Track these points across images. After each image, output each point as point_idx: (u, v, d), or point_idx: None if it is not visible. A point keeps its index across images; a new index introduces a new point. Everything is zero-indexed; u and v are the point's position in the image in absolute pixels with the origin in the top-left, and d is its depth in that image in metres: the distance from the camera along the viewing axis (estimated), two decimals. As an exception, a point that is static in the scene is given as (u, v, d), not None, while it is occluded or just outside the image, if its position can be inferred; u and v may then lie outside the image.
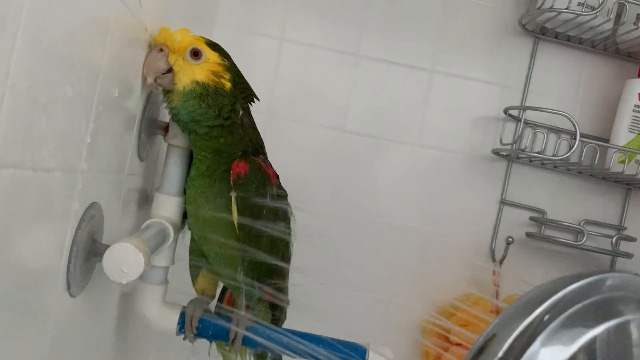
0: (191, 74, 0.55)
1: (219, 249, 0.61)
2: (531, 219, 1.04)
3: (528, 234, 1.02)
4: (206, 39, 0.57)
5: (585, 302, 0.31)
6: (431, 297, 1.00)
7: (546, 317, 0.30)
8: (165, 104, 0.57)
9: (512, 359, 0.30)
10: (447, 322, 0.95)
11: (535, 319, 0.30)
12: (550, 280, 0.33)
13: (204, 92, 0.56)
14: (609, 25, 0.96)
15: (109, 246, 0.47)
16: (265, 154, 0.63)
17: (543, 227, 1.03)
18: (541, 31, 1.03)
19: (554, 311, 0.31)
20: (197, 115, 0.56)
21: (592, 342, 0.30)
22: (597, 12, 0.90)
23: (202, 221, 0.60)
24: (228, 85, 0.57)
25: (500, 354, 0.30)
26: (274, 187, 0.61)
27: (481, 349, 0.31)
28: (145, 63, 0.55)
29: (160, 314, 0.61)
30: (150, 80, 0.55)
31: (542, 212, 1.04)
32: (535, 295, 0.31)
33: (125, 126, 0.54)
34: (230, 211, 0.57)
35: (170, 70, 0.55)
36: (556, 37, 1.03)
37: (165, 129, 0.62)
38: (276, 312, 0.67)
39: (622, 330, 0.31)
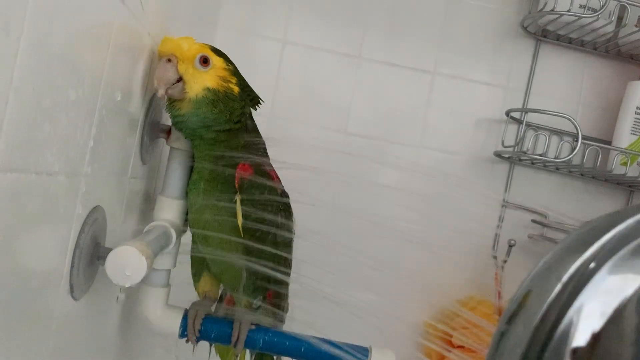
0: (201, 82, 0.55)
1: (220, 252, 0.61)
2: (533, 221, 1.04)
3: (530, 236, 1.02)
4: (210, 45, 0.58)
5: None
6: (433, 299, 1.00)
7: (610, 247, 0.29)
8: (171, 112, 0.57)
9: (575, 283, 0.29)
10: (449, 325, 0.94)
11: (604, 245, 0.29)
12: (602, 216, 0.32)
13: (215, 98, 0.56)
14: (611, 28, 0.96)
15: (111, 249, 0.47)
16: (267, 157, 0.63)
17: (545, 229, 1.03)
18: (543, 33, 1.03)
19: (621, 241, 0.29)
20: (209, 121, 0.56)
21: None
22: (598, 15, 0.90)
23: (204, 224, 0.60)
24: (236, 89, 0.58)
25: (565, 278, 0.29)
26: (278, 189, 0.61)
27: (527, 293, 0.30)
28: (155, 75, 0.55)
29: (162, 316, 0.61)
30: (161, 92, 0.54)
31: (545, 214, 1.03)
32: (594, 228, 0.31)
33: (128, 130, 0.54)
34: (233, 214, 0.57)
35: (179, 79, 0.55)
36: (558, 40, 1.03)
37: (168, 132, 0.62)
38: (277, 315, 0.67)
39: None
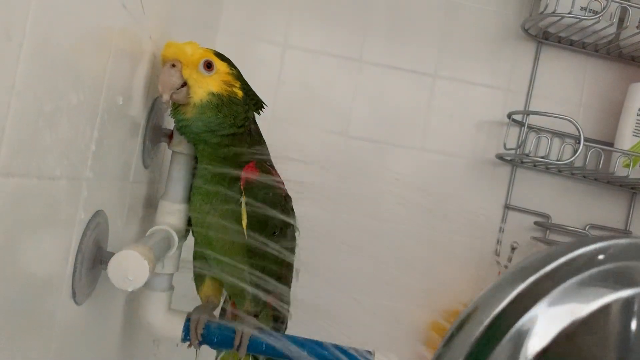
0: (206, 86, 0.56)
1: (224, 256, 0.61)
2: (536, 223, 1.03)
3: (533, 239, 1.02)
4: (213, 50, 0.58)
5: (603, 267, 0.31)
6: (436, 302, 1.00)
7: (555, 278, 0.30)
8: (175, 117, 0.57)
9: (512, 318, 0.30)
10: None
11: (542, 277, 0.30)
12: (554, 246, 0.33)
13: (220, 102, 0.56)
14: (612, 30, 0.96)
15: (114, 254, 0.47)
16: (270, 160, 0.63)
17: (548, 231, 1.03)
18: (544, 36, 1.03)
19: (568, 271, 0.31)
20: (213, 126, 0.56)
21: (608, 307, 0.30)
22: (599, 17, 0.90)
23: (207, 228, 0.60)
24: (240, 93, 0.58)
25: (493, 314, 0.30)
26: (282, 191, 0.61)
27: (465, 318, 0.31)
28: (159, 80, 0.55)
29: (165, 321, 0.61)
30: (166, 97, 0.54)
31: (547, 216, 1.03)
32: (534, 260, 0.31)
33: (130, 134, 0.54)
34: (237, 217, 0.57)
35: (183, 84, 0.55)
36: (559, 42, 1.03)
37: (170, 136, 0.62)
38: (278, 319, 0.66)
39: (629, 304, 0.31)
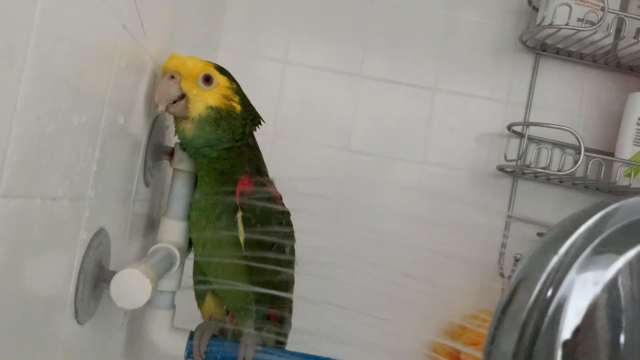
0: (205, 100, 0.56)
1: (222, 271, 0.61)
2: (539, 234, 1.03)
3: (536, 250, 1.01)
4: (214, 63, 0.58)
5: (616, 226, 0.32)
6: (440, 315, 0.99)
7: (577, 246, 0.31)
8: (177, 133, 0.58)
9: (549, 292, 0.30)
10: (458, 342, 0.94)
11: (569, 249, 0.31)
12: (571, 214, 0.33)
13: (218, 116, 0.56)
14: (609, 40, 0.96)
15: (116, 272, 0.47)
16: (267, 175, 0.63)
17: (551, 242, 1.02)
18: (542, 47, 1.03)
19: (585, 239, 0.31)
20: (213, 141, 0.57)
21: (630, 264, 0.31)
22: (596, 28, 0.91)
23: (205, 242, 0.60)
24: (238, 107, 0.58)
25: (534, 293, 0.30)
26: (279, 204, 0.61)
27: (511, 295, 0.31)
28: (157, 91, 0.55)
29: (168, 339, 0.61)
30: (162, 108, 0.54)
31: (550, 227, 1.03)
32: (559, 230, 0.33)
33: (131, 153, 0.55)
34: (234, 232, 0.57)
35: (181, 97, 0.56)
36: (557, 53, 1.04)
37: (171, 153, 0.62)
38: (280, 334, 0.66)
39: None
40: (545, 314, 0.30)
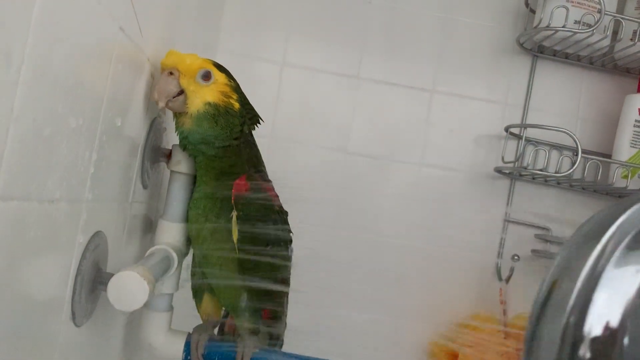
0: (202, 96, 0.56)
1: (217, 269, 0.61)
2: (536, 236, 1.03)
3: (534, 252, 1.02)
4: (213, 61, 0.59)
5: None
6: (438, 317, 0.99)
7: (615, 240, 0.31)
8: (176, 129, 0.58)
9: (591, 286, 0.30)
10: (455, 343, 0.94)
11: (607, 242, 0.31)
12: (603, 209, 0.33)
13: (216, 113, 0.56)
14: (606, 42, 0.96)
15: (113, 275, 0.47)
16: (266, 174, 0.63)
17: (549, 244, 1.03)
18: (539, 49, 1.03)
19: (622, 233, 0.31)
20: (209, 137, 0.57)
21: None
22: (593, 30, 0.91)
23: (202, 242, 0.60)
24: (237, 105, 0.58)
25: (576, 287, 0.30)
26: (275, 206, 0.61)
27: (549, 290, 0.31)
28: (156, 87, 0.55)
29: (165, 341, 0.61)
30: (161, 104, 0.55)
31: (547, 229, 1.03)
32: (595, 225, 0.32)
33: (129, 154, 0.55)
34: (229, 232, 0.57)
35: (180, 93, 0.56)
36: (554, 55, 1.04)
37: (168, 155, 0.62)
38: (274, 335, 0.66)
39: None
40: (587, 307, 0.29)
